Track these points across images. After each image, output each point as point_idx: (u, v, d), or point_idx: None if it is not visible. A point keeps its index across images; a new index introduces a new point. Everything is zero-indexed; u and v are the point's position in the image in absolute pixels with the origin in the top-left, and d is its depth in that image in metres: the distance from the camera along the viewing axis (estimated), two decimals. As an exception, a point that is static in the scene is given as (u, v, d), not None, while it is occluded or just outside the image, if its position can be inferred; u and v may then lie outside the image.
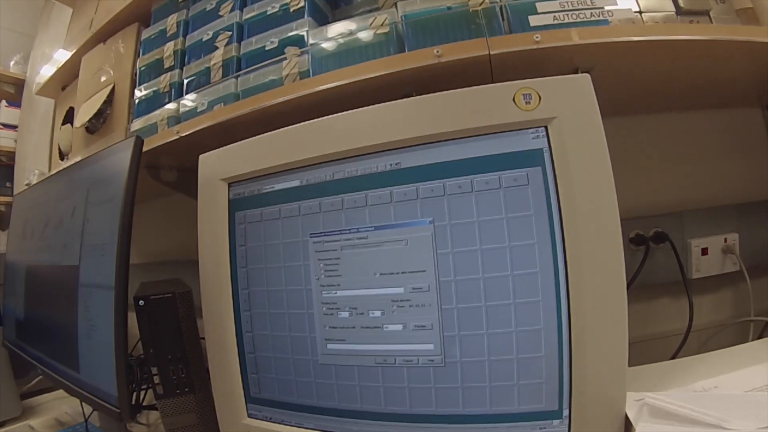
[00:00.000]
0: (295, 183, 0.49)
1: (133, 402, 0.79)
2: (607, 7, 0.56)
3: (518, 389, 0.41)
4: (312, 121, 0.48)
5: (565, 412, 0.40)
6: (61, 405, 0.90)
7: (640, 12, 0.64)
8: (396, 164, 0.44)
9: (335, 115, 0.47)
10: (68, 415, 0.85)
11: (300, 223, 0.48)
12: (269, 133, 0.51)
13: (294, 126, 0.49)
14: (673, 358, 0.69)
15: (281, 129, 0.50)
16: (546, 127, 0.41)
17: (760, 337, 0.70)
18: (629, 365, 0.56)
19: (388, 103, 0.45)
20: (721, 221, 0.75)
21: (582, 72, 0.57)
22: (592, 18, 0.55)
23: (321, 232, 0.47)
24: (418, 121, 0.43)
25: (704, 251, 0.73)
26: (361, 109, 0.46)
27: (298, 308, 0.48)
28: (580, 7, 0.55)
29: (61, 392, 0.94)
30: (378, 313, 0.44)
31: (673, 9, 0.65)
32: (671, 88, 0.70)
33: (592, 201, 0.40)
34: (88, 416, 0.69)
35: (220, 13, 0.75)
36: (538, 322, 0.40)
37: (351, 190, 0.46)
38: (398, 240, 0.44)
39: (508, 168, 0.41)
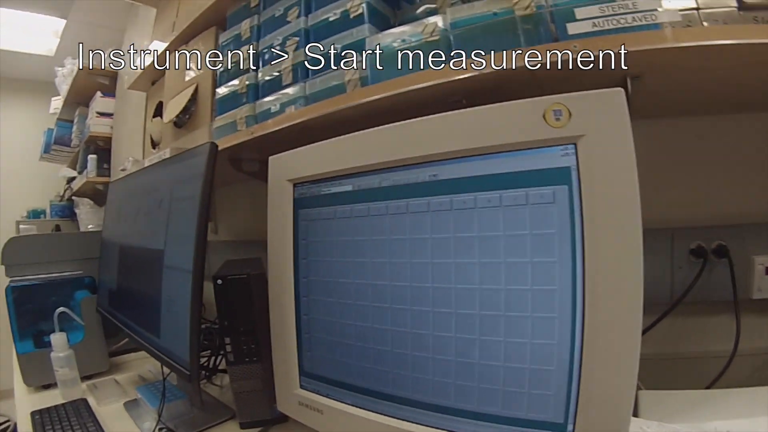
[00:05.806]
0: (348, 188, 0.60)
1: (210, 365, 0.99)
2: (652, 11, 0.54)
3: (528, 397, 0.47)
4: (362, 131, 0.59)
5: (570, 427, 0.45)
6: (145, 364, 1.13)
7: (698, 9, 0.61)
8: (434, 176, 0.52)
9: (382, 126, 0.57)
10: (150, 373, 1.07)
11: (352, 225, 0.60)
12: (328, 140, 0.63)
13: (348, 135, 0.60)
14: (710, 385, 0.69)
15: (338, 137, 0.61)
16: (575, 145, 0.44)
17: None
18: (663, 384, 0.58)
19: (426, 117, 0.53)
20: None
21: (631, 79, 0.60)
22: (635, 23, 0.54)
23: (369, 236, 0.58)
24: (454, 135, 0.50)
25: (769, 270, 0.72)
26: (404, 122, 0.55)
27: (346, 299, 0.60)
28: (622, 11, 0.54)
29: (144, 353, 1.20)
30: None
31: (735, 4, 0.60)
32: (740, 90, 0.68)
33: (616, 223, 0.42)
34: (166, 376, 0.87)
35: (288, 19, 0.88)
36: (552, 338, 0.45)
37: (395, 197, 0.55)
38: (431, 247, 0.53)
39: (536, 185, 0.46)
